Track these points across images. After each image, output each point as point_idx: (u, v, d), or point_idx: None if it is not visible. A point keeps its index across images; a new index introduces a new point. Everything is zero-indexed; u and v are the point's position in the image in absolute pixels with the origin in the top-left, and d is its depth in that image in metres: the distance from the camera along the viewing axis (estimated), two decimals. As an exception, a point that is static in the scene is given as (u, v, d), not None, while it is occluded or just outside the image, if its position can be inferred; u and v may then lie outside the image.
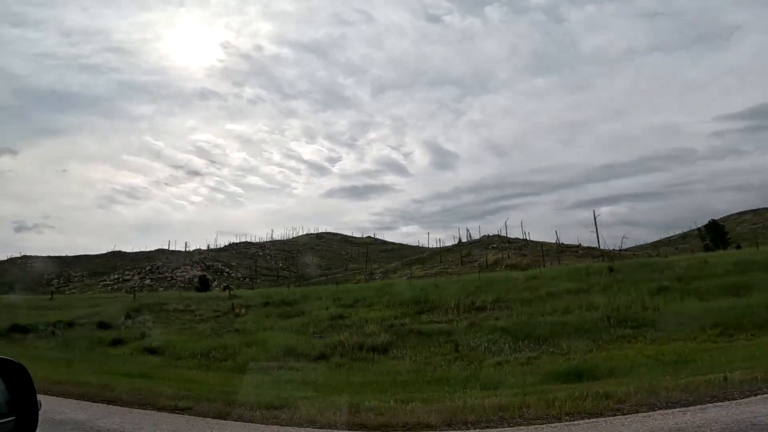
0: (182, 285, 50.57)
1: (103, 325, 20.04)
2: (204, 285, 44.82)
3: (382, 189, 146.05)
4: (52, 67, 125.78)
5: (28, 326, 19.14)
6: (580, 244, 50.57)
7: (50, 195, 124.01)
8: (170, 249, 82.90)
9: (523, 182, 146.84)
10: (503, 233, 60.71)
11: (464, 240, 65.44)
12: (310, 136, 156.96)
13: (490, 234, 63.78)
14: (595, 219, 67.55)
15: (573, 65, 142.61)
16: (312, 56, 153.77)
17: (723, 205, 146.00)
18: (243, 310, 22.18)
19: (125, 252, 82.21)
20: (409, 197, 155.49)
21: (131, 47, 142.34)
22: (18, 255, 76.21)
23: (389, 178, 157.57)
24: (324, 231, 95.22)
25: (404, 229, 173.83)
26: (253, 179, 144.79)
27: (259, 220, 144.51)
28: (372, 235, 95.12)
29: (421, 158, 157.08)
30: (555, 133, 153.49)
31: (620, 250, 47.24)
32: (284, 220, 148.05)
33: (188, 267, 60.72)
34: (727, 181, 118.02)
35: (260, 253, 75.23)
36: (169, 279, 56.40)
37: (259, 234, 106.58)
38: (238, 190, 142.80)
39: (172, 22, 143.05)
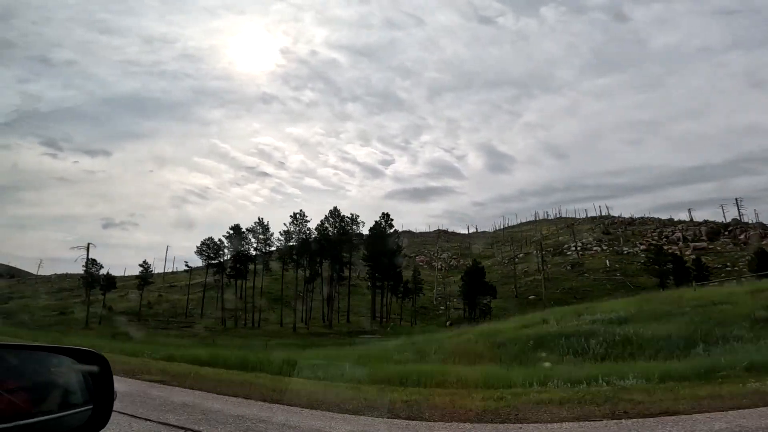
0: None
1: None
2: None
3: (444, 191, 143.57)
4: (135, 74, 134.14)
5: None
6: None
7: (135, 194, 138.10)
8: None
9: (595, 185, 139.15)
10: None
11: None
12: (365, 139, 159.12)
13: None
14: None
15: (640, 64, 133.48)
16: (366, 60, 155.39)
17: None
18: None
19: (450, 232, 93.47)
20: (469, 199, 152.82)
21: (203, 54, 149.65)
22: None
23: (444, 181, 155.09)
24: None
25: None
26: (309, 181, 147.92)
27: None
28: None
29: (475, 161, 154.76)
30: (621, 133, 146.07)
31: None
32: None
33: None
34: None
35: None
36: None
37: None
38: (296, 191, 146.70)
39: (235, 29, 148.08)
